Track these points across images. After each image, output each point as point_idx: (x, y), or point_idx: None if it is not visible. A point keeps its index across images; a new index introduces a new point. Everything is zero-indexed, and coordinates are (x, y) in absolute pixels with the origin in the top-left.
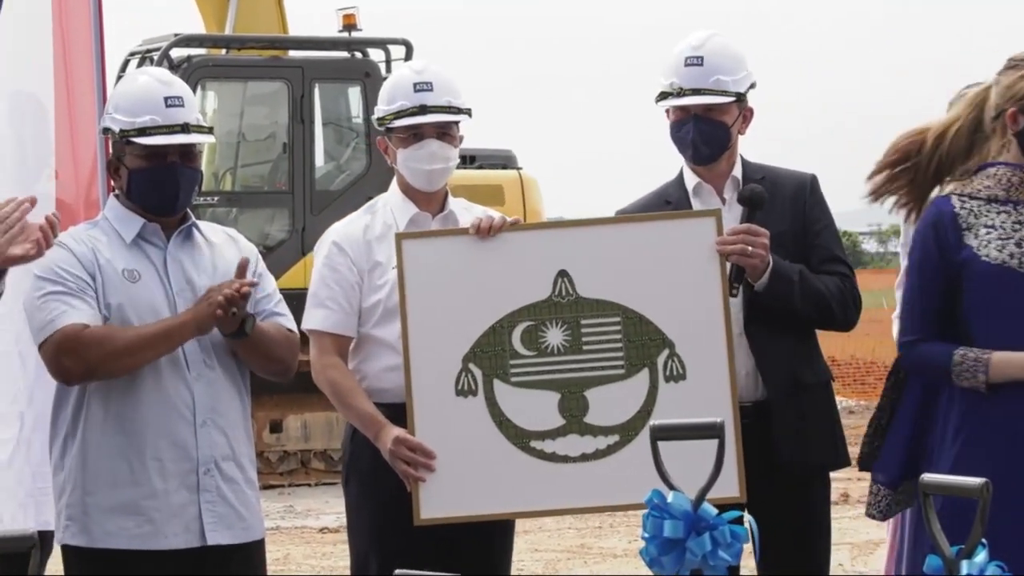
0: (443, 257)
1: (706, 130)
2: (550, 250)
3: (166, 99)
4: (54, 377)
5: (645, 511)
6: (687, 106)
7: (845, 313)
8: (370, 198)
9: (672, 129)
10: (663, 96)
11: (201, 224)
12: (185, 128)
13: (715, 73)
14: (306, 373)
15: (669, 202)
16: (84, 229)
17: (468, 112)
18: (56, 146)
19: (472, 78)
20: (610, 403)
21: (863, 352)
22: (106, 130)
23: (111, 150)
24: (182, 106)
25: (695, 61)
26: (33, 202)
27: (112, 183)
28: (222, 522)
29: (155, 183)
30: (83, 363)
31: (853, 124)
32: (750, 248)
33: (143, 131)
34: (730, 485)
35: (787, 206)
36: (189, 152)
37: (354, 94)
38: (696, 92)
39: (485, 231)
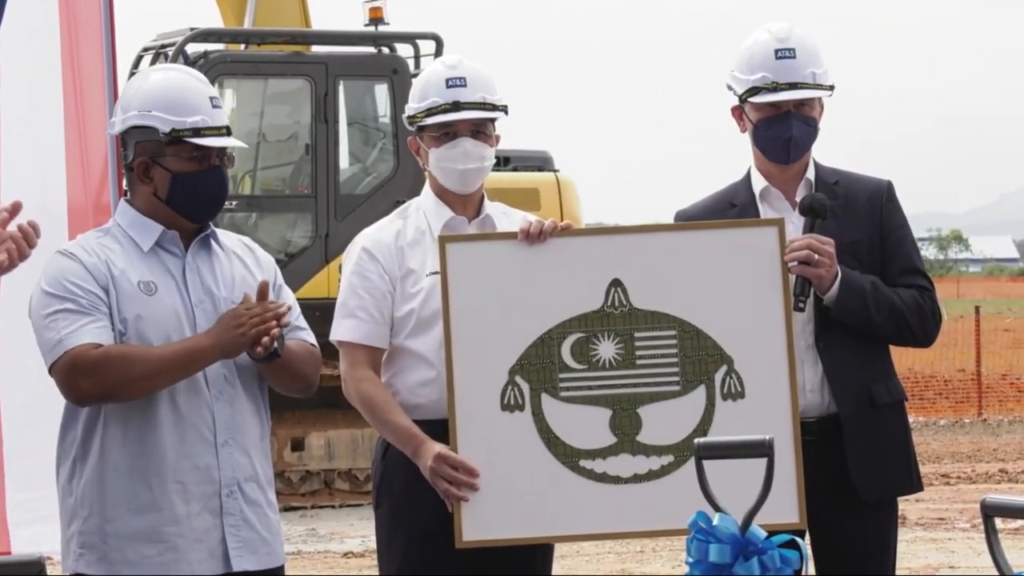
0: (489, 262)
1: (801, 127)
2: (603, 258)
3: (211, 99)
4: (66, 398)
5: (690, 535)
6: (781, 102)
7: (924, 328)
8: (398, 202)
9: (761, 127)
10: (754, 91)
11: (217, 232)
12: (228, 130)
13: (808, 66)
14: (329, 388)
15: (734, 205)
16: (95, 237)
17: (504, 109)
18: (66, 148)
19: (506, 75)
20: (664, 421)
21: (921, 365)
22: (142, 128)
23: (136, 151)
24: (221, 107)
25: (788, 54)
26: (15, 209)
27: (123, 187)
28: (247, 547)
29: (203, 186)
30: (100, 385)
31: (930, 125)
32: (816, 256)
33: (197, 131)
34: (789, 510)
35: (862, 213)
36: (225, 155)
37: (381, 92)
38: (793, 86)
39: (535, 235)
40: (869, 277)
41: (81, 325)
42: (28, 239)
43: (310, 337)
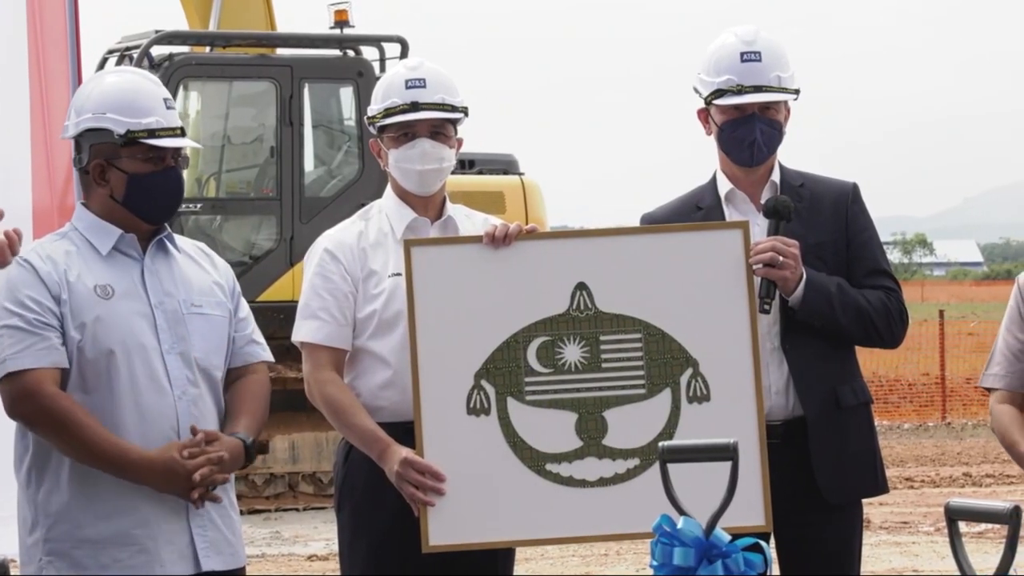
0: (454, 266)
1: (765, 129)
2: (568, 261)
3: (165, 100)
4: (4, 410)
5: (654, 538)
6: (745, 105)
7: (890, 329)
8: (363, 205)
9: (725, 129)
10: (719, 94)
11: (173, 235)
12: (183, 131)
13: (774, 69)
14: (293, 391)
15: (700, 208)
16: (51, 241)
17: (464, 111)
18: (31, 150)
19: (472, 78)
20: (630, 425)
21: (886, 369)
22: (96, 131)
23: (91, 154)
24: (174, 108)
25: (753, 57)
26: None
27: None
28: (213, 547)
29: (159, 187)
30: (32, 423)
31: (894, 129)
32: (780, 258)
33: (152, 132)
34: (754, 513)
35: (827, 215)
36: (180, 155)
37: (346, 94)
38: (758, 89)
39: (500, 239)
40: (835, 279)
41: (26, 347)
42: (12, 246)
43: (265, 353)
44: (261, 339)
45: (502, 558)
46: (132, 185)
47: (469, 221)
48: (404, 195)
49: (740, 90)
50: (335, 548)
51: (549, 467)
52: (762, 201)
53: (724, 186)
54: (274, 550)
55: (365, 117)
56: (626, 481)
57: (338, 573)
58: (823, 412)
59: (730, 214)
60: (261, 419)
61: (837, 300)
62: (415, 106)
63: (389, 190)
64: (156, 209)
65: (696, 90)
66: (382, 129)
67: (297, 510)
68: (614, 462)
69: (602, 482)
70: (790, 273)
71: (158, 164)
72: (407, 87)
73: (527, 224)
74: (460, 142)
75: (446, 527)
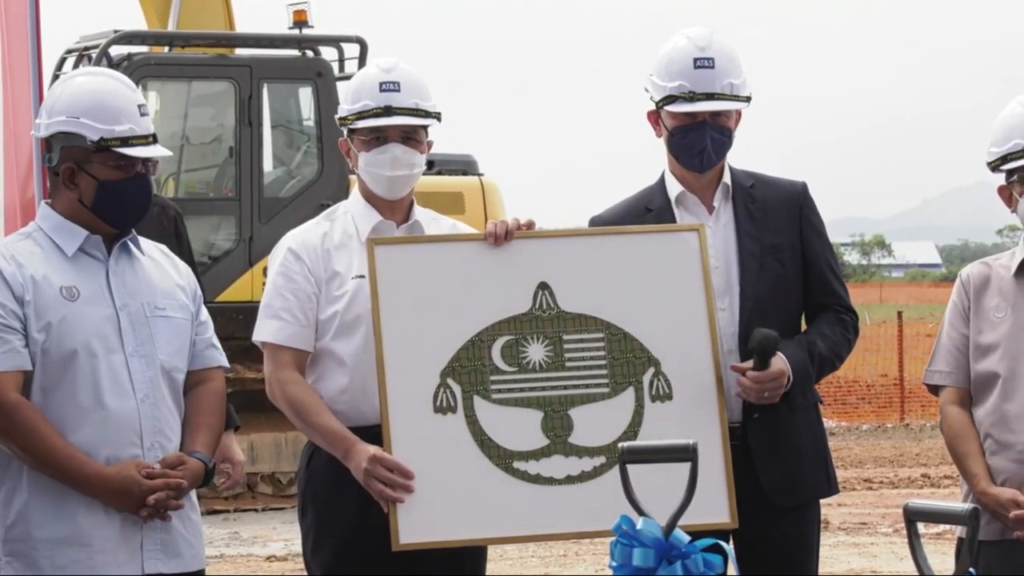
0: (418, 265)
1: (716, 137)
2: (530, 261)
3: (139, 107)
4: None
5: (613, 539)
6: (696, 111)
7: (850, 348)
8: (323, 205)
9: (676, 134)
10: (671, 100)
11: (138, 238)
12: (155, 138)
13: (727, 76)
14: (252, 392)
15: (650, 210)
16: (15, 241)
17: (437, 116)
18: (3, 149)
19: (430, 79)
20: (595, 423)
21: (844, 370)
22: (67, 135)
23: (62, 156)
24: (148, 115)
25: (706, 63)
26: None
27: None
28: (167, 549)
29: (128, 195)
30: None
31: (853, 129)
32: (767, 394)
33: (125, 141)
34: (720, 511)
35: (782, 217)
36: (151, 162)
37: (305, 95)
38: (710, 97)
39: (501, 236)
40: (807, 345)
41: None
42: None
43: (222, 358)
44: (219, 344)
45: (469, 558)
46: (102, 191)
47: (436, 224)
48: (371, 198)
49: (692, 97)
50: (294, 549)
51: (517, 465)
52: (715, 204)
53: (674, 188)
54: (233, 551)
55: (336, 117)
56: (594, 478)
57: (297, 574)
58: (776, 414)
59: (681, 216)
60: (219, 434)
61: (815, 370)
62: (388, 110)
63: (356, 191)
64: (124, 216)
65: (647, 91)
66: (352, 130)
67: (256, 511)
68: (580, 460)
69: (570, 480)
70: (778, 396)
71: (128, 171)
72: (381, 90)
73: (486, 224)
74: (430, 145)
75: (416, 526)
